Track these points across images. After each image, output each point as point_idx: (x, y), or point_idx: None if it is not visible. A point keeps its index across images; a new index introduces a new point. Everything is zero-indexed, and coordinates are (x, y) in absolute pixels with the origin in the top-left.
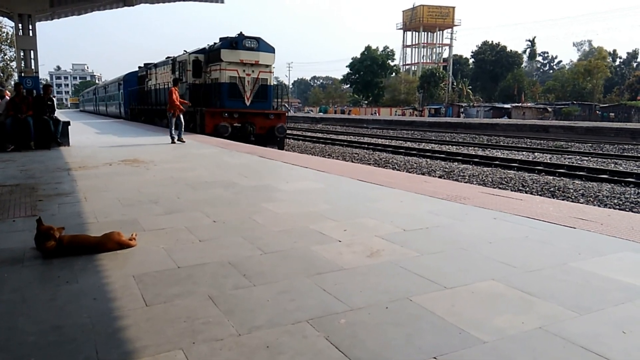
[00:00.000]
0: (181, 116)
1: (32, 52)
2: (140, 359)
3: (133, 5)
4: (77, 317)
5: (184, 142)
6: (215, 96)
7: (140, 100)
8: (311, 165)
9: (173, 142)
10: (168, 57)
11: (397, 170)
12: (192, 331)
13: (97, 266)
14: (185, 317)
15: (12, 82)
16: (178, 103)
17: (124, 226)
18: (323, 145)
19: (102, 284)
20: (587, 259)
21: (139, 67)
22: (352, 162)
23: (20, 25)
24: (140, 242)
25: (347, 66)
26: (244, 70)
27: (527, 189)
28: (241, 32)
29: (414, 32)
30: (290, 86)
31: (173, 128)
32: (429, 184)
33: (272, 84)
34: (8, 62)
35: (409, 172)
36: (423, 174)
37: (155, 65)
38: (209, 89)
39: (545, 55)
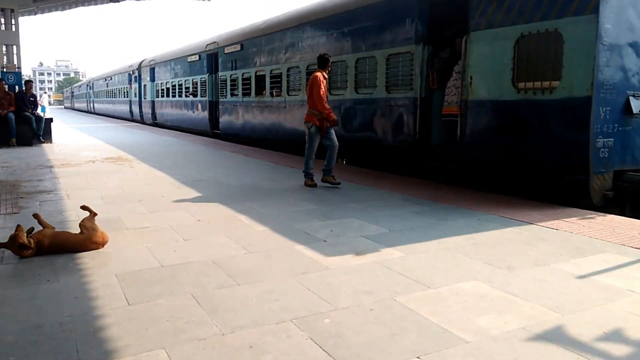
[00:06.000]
0: (332, 133)
1: (14, 47)
2: (121, 359)
3: (118, 2)
4: (58, 316)
5: (338, 184)
6: None
7: None
8: None
9: (311, 182)
10: None
11: None
12: (175, 330)
13: (79, 265)
14: (169, 317)
15: None
16: (327, 106)
17: (108, 224)
18: None
19: (83, 282)
20: (569, 260)
21: None
22: None
23: (2, 19)
24: (123, 241)
25: None
26: None
27: None
28: None
29: None
30: None
31: (314, 153)
32: (415, 185)
33: None
34: None
35: None
36: None
37: None
38: None
39: None
